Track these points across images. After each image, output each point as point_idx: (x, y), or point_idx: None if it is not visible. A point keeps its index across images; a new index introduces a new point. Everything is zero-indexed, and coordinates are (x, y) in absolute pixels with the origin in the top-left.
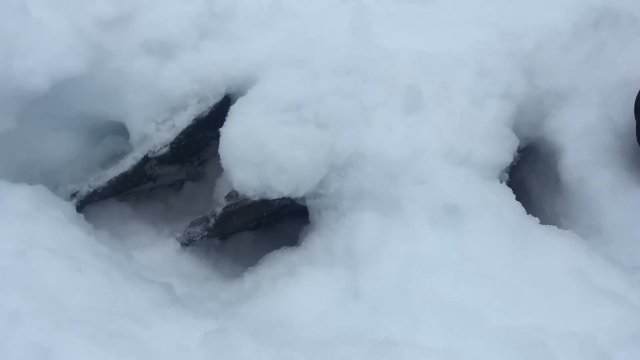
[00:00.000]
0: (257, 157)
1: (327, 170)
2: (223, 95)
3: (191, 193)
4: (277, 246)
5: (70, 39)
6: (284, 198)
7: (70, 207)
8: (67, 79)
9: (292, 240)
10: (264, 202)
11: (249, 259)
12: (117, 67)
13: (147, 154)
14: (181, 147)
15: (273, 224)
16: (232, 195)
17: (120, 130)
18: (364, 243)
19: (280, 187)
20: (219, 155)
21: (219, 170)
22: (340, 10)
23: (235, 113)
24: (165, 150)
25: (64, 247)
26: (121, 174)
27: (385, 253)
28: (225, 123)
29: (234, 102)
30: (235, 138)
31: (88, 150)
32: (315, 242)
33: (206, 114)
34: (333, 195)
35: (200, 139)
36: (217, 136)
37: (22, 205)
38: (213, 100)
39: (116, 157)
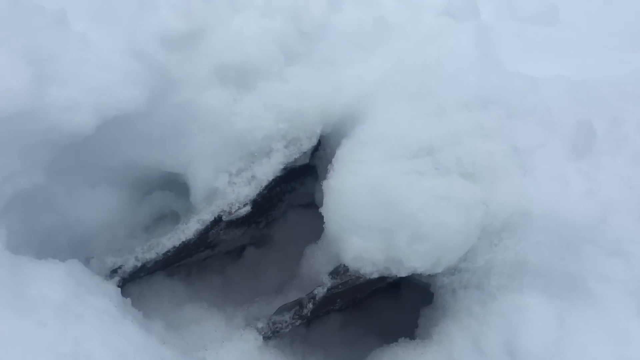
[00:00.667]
0: (385, 220)
1: (478, 237)
2: (318, 137)
3: (254, 262)
4: (372, 333)
5: (125, 62)
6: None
7: (115, 291)
8: (119, 116)
9: (384, 323)
10: (379, 279)
11: (344, 353)
12: (183, 101)
13: (219, 215)
14: (257, 205)
15: (361, 301)
16: (340, 271)
17: (170, 184)
18: (536, 339)
19: (415, 261)
20: (290, 215)
21: (290, 233)
22: (458, 30)
23: (345, 160)
24: (245, 210)
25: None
26: (182, 242)
27: (574, 356)
28: (331, 174)
29: (328, 145)
30: (352, 194)
31: (131, 210)
32: (453, 335)
33: (299, 162)
34: (479, 271)
35: (275, 193)
36: (293, 190)
37: (57, 293)
38: (307, 144)
39: (161, 218)
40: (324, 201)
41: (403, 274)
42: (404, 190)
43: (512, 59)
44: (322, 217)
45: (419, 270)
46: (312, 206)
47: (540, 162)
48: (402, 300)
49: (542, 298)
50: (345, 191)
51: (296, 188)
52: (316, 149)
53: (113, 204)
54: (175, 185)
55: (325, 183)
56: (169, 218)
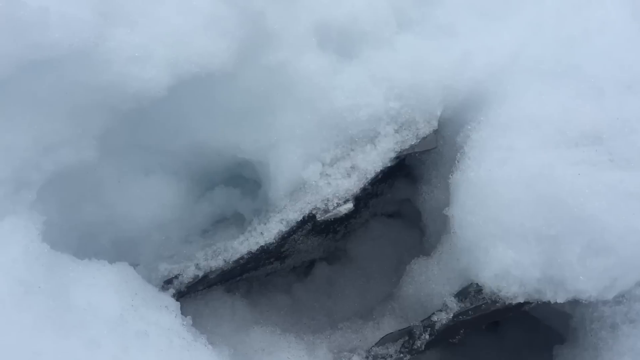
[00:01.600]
0: (548, 224)
1: None
2: (438, 119)
3: (326, 280)
4: None
5: (212, 3)
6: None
7: (176, 306)
8: (197, 75)
9: None
10: (508, 309)
11: None
12: (276, 63)
13: (310, 214)
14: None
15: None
16: (470, 292)
17: (235, 179)
18: None
19: (585, 282)
20: (372, 225)
21: (371, 247)
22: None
23: (487, 147)
24: (346, 207)
25: None
26: (260, 247)
27: None
28: (465, 164)
29: (441, 134)
30: (502, 190)
31: (189, 208)
32: None
33: (415, 148)
34: None
35: (368, 193)
36: (381, 193)
37: (112, 304)
38: (425, 128)
39: (221, 222)
40: (453, 199)
41: (560, 299)
42: (579, 185)
43: None
44: (413, 228)
45: (583, 295)
46: (398, 216)
47: None
48: (505, 337)
49: None
50: (492, 185)
51: (384, 191)
52: None
53: (168, 198)
54: (240, 181)
55: (454, 177)
56: (231, 222)
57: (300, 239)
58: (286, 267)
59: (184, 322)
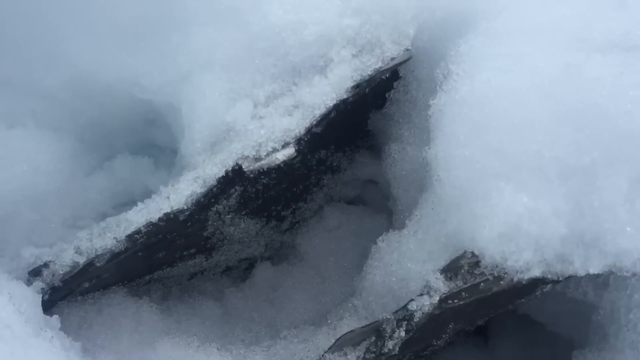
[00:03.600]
0: (579, 149)
1: None
2: (411, 40)
3: (270, 285)
4: None
5: None
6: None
7: (32, 298)
8: None
9: None
10: (533, 286)
11: None
12: None
13: (236, 166)
14: (290, 167)
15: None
16: (462, 266)
17: (146, 147)
18: None
19: (637, 237)
20: (327, 214)
21: (326, 241)
22: None
23: (482, 57)
24: (285, 154)
25: None
26: (166, 216)
27: None
28: (452, 82)
29: (413, 74)
30: (510, 104)
31: (77, 181)
32: None
33: (373, 84)
34: None
35: (319, 159)
36: (337, 168)
37: None
38: (394, 49)
39: (128, 204)
40: (435, 135)
41: (595, 268)
42: (623, 88)
43: None
44: (378, 215)
45: (629, 260)
46: (360, 202)
47: None
48: (497, 352)
49: None
50: (493, 101)
51: (341, 165)
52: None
53: (43, 161)
54: (155, 151)
55: (436, 103)
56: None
57: (228, 215)
58: (215, 265)
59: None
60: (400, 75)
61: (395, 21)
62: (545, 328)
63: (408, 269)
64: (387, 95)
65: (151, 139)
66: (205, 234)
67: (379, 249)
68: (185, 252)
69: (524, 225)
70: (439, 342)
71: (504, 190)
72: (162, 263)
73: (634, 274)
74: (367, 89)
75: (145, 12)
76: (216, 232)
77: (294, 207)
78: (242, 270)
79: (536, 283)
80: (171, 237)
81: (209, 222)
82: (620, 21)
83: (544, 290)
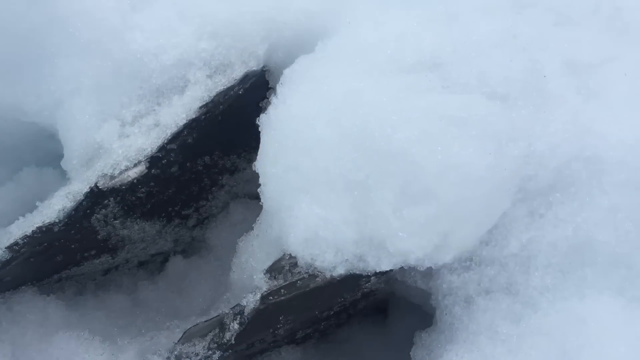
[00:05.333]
0: (356, 166)
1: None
2: (263, 61)
3: (180, 276)
4: None
5: None
6: (384, 275)
7: None
8: None
9: None
10: (351, 281)
11: None
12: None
13: (95, 184)
14: (168, 177)
15: (330, 330)
16: (283, 266)
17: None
18: None
19: (408, 239)
20: (232, 209)
21: (232, 235)
22: None
23: (298, 81)
24: (136, 172)
25: None
26: (41, 229)
27: None
28: (272, 102)
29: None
30: (304, 126)
31: None
32: None
33: (230, 100)
34: (511, 262)
35: (206, 165)
36: (235, 168)
37: None
38: (241, 68)
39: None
40: (260, 148)
41: (386, 265)
42: (388, 112)
43: None
44: None
45: (411, 259)
46: None
47: (615, 82)
48: (392, 329)
49: (619, 304)
50: (292, 124)
51: (239, 166)
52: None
53: None
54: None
55: (260, 121)
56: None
57: (116, 221)
58: (127, 261)
59: None
60: (270, 86)
61: (245, 43)
62: None
63: (252, 268)
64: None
65: (56, 151)
66: (99, 237)
67: (239, 248)
68: (86, 254)
69: (320, 232)
70: (278, 332)
71: (302, 202)
72: (67, 264)
73: (433, 270)
74: (221, 106)
75: (17, 47)
76: (111, 235)
77: (195, 205)
78: (159, 263)
79: (355, 277)
80: (59, 243)
81: (97, 228)
82: (432, 40)
83: (370, 281)
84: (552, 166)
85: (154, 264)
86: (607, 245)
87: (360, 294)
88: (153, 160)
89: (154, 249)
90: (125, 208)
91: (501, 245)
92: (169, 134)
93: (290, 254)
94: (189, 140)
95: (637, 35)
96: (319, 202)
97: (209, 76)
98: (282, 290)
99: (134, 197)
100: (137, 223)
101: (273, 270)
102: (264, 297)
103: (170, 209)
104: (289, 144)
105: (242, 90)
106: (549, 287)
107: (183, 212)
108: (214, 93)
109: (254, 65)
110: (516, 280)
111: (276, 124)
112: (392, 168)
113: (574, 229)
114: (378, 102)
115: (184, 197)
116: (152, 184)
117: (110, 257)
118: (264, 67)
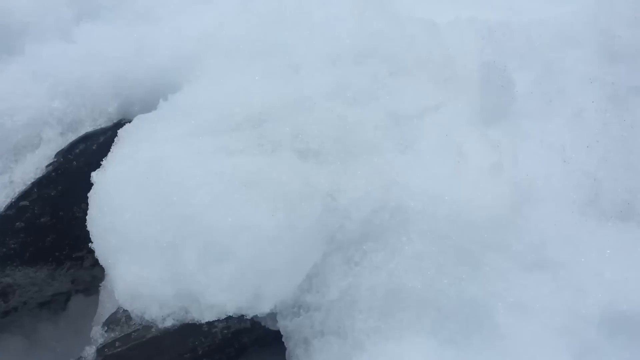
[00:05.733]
0: (165, 228)
1: (324, 252)
2: (116, 117)
3: (81, 316)
4: None
5: None
6: (231, 319)
7: None
8: None
9: None
10: (193, 329)
11: None
12: None
13: None
14: (41, 226)
15: None
16: (120, 319)
17: None
18: None
19: (220, 293)
20: None
21: None
22: None
23: (125, 143)
24: None
25: None
26: None
27: None
28: (105, 161)
29: None
30: (120, 190)
31: None
32: None
33: (85, 155)
34: (335, 307)
35: (84, 210)
36: None
37: None
38: (89, 125)
39: None
40: (90, 204)
41: (209, 316)
42: (186, 177)
43: (411, 1)
44: None
45: (230, 310)
46: None
47: (430, 132)
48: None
49: (431, 345)
50: (107, 188)
51: None
52: None
53: None
54: None
55: (93, 175)
56: None
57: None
58: (24, 303)
59: None
60: None
61: (95, 102)
62: None
63: (102, 318)
64: None
65: None
66: None
67: (100, 297)
68: None
69: (140, 289)
70: None
71: (121, 262)
72: None
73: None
74: (74, 162)
75: None
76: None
77: (88, 248)
78: (62, 302)
79: (193, 326)
80: None
81: None
82: (269, 95)
83: (218, 328)
84: (357, 217)
85: (57, 303)
86: (415, 290)
87: (223, 334)
88: (5, 218)
89: (50, 290)
90: (4, 258)
91: (322, 292)
92: (17, 192)
93: (123, 309)
94: (53, 193)
95: (462, 83)
96: (137, 261)
97: (62, 134)
98: (117, 343)
99: (5, 249)
100: (19, 270)
101: (111, 323)
102: (99, 350)
103: (57, 253)
104: (104, 206)
105: (95, 145)
106: (373, 329)
107: (74, 255)
108: (61, 150)
109: (102, 123)
110: (344, 324)
111: (97, 185)
112: (193, 230)
113: (387, 275)
114: (178, 168)
115: (71, 241)
116: (22, 235)
117: (2, 302)
118: (121, 120)
